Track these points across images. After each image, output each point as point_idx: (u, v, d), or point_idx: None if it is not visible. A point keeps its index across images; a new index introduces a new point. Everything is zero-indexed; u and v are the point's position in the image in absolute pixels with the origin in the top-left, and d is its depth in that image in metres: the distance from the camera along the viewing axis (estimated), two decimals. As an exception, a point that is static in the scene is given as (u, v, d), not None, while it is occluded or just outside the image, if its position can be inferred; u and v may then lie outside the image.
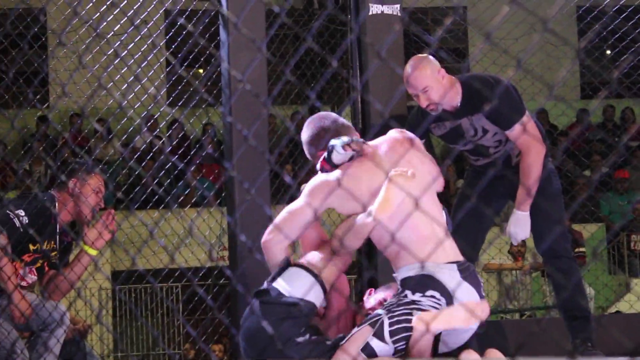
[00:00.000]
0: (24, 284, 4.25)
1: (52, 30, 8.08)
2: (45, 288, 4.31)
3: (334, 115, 3.57)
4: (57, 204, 4.29)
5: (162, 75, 5.51)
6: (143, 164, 8.56)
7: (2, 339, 4.10)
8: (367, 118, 4.77)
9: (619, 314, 8.24)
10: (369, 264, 4.47)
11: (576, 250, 8.11)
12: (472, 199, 4.32)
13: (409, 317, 3.10)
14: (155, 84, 5.39)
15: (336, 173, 3.31)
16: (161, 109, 8.10)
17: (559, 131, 11.06)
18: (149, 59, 5.29)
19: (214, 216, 6.74)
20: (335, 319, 3.46)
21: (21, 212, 4.14)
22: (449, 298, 3.14)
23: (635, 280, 9.89)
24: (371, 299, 3.54)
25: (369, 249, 4.40)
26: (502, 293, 8.65)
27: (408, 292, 3.15)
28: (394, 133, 3.47)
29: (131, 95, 5.54)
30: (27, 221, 4.12)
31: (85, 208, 4.30)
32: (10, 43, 5.94)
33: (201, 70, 8.34)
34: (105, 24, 5.17)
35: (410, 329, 3.08)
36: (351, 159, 3.32)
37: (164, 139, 10.74)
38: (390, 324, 3.11)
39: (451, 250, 3.22)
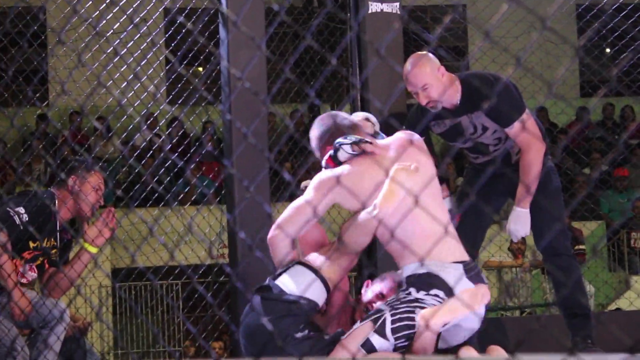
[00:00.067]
0: (24, 281, 4.26)
1: (51, 28, 8.09)
2: (46, 285, 4.32)
3: (344, 114, 3.59)
4: (57, 202, 4.29)
5: (162, 73, 5.52)
6: (143, 161, 8.56)
7: (2, 336, 4.10)
8: (367, 116, 4.76)
9: (619, 311, 8.25)
10: (368, 260, 4.47)
11: (576, 247, 8.11)
12: (472, 196, 4.33)
13: (412, 314, 3.11)
14: (155, 82, 5.39)
15: (342, 168, 3.32)
16: (161, 107, 8.10)
17: (559, 129, 11.06)
18: (148, 57, 5.29)
19: (214, 214, 6.75)
20: (335, 315, 3.46)
21: (21, 210, 4.14)
22: None
23: (635, 278, 9.89)
24: (369, 292, 3.54)
25: (368, 245, 4.40)
26: (502, 290, 8.65)
27: (412, 290, 3.15)
28: (400, 134, 3.48)
29: (131, 94, 5.54)
30: (27, 219, 4.12)
31: (85, 206, 4.30)
32: (9, 41, 5.94)
33: (201, 68, 8.35)
34: (104, 22, 5.17)
35: (413, 326, 3.08)
36: (356, 155, 3.33)
37: (163, 136, 10.74)
38: (393, 321, 3.11)
39: (457, 250, 3.22)
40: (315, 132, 3.52)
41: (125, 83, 5.29)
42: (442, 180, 3.94)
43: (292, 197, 3.40)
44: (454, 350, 3.20)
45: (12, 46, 6.04)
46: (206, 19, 4.86)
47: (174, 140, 10.16)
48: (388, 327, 3.11)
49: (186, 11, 5.35)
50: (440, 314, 3.08)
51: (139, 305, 9.60)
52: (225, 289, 5.09)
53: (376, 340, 3.11)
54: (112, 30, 5.17)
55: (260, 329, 3.30)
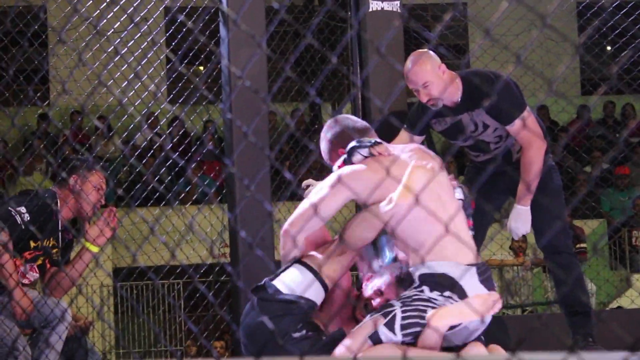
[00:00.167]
0: (25, 281, 4.26)
1: (52, 27, 8.09)
2: (47, 285, 4.32)
3: (354, 117, 3.63)
4: (58, 201, 4.30)
5: (163, 73, 5.52)
6: (144, 161, 8.56)
7: (4, 335, 4.10)
8: (368, 114, 4.77)
9: (620, 309, 8.24)
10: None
11: (577, 246, 8.11)
12: (473, 195, 4.33)
13: (423, 313, 3.11)
14: (156, 81, 5.39)
15: (359, 165, 3.32)
16: (162, 106, 8.10)
17: (560, 127, 11.06)
18: (149, 56, 5.29)
19: (215, 213, 6.74)
20: (335, 313, 3.46)
21: (22, 209, 4.14)
22: None
23: (636, 276, 9.89)
24: (368, 288, 3.54)
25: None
26: (503, 289, 8.65)
27: (425, 289, 3.14)
28: (414, 145, 3.55)
29: (131, 93, 5.54)
30: (28, 218, 4.12)
31: (87, 205, 4.30)
32: (10, 41, 5.94)
33: (201, 68, 8.35)
34: (105, 21, 5.17)
35: (422, 324, 3.09)
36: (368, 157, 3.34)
37: (164, 136, 10.74)
38: (403, 318, 3.11)
39: (471, 251, 3.21)
40: (327, 135, 3.53)
41: (126, 82, 5.29)
42: None
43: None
44: (458, 349, 3.20)
45: (13, 45, 6.04)
46: (207, 17, 4.86)
47: (175, 140, 10.16)
48: (398, 322, 3.11)
49: (187, 10, 5.35)
50: (449, 316, 3.09)
51: (141, 304, 9.61)
52: (226, 288, 5.10)
53: (384, 333, 3.11)
54: (112, 30, 5.18)
55: (260, 328, 3.30)
